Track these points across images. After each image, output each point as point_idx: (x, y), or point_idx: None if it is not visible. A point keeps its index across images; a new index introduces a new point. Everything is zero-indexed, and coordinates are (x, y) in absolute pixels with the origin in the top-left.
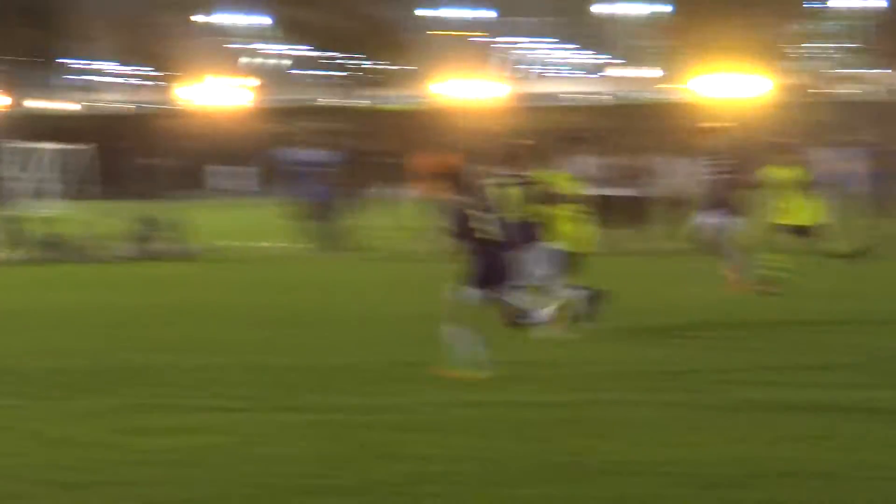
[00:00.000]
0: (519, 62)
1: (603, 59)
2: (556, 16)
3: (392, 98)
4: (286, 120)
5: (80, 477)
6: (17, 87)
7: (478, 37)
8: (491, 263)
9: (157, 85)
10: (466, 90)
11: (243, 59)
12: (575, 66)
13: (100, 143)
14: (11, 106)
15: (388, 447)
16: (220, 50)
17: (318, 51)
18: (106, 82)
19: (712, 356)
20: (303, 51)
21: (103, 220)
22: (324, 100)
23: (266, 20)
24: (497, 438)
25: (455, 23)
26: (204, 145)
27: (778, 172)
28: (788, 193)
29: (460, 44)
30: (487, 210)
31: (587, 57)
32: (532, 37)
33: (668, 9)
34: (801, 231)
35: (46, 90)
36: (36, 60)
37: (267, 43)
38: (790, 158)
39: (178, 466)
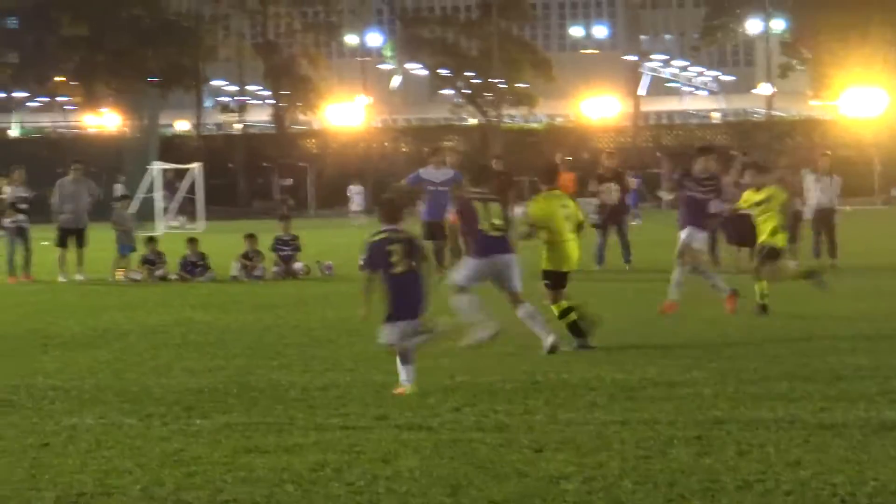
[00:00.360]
0: (649, 80)
1: (728, 77)
2: (685, 34)
3: (520, 117)
4: (417, 139)
5: (189, 495)
6: (160, 108)
7: (606, 54)
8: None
9: (295, 105)
10: (596, 108)
11: (374, 79)
12: (701, 84)
13: (242, 162)
14: (150, 127)
15: (496, 465)
16: (355, 70)
17: (447, 70)
18: (248, 103)
19: (833, 373)
20: (427, 70)
21: (242, 239)
22: (455, 119)
23: (395, 40)
24: (596, 456)
25: (583, 41)
26: (342, 165)
27: (751, 195)
28: (760, 214)
29: (590, 62)
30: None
31: (713, 75)
32: (662, 55)
33: (788, 26)
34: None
35: (189, 111)
36: (179, 81)
37: (397, 63)
38: (763, 179)
39: (286, 485)
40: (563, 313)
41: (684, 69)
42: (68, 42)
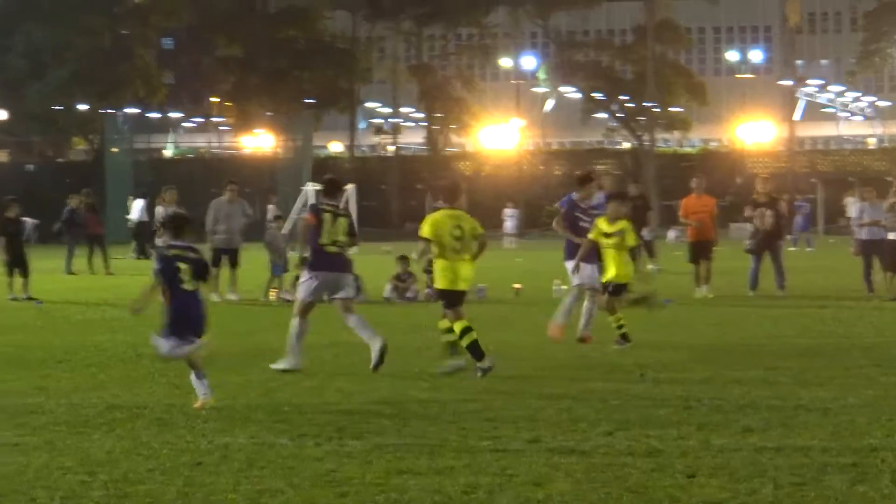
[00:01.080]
0: (804, 105)
1: (884, 102)
2: (841, 60)
3: (673, 141)
4: (570, 162)
5: None
6: (314, 129)
7: (761, 79)
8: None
9: (448, 127)
10: (751, 133)
11: (528, 102)
12: (857, 110)
13: (395, 184)
14: (304, 148)
15: (649, 490)
16: (509, 93)
17: (601, 93)
18: (402, 125)
19: None
20: (581, 93)
21: (394, 260)
22: (608, 142)
23: (550, 63)
24: (750, 482)
25: (739, 66)
26: (495, 187)
27: (604, 224)
28: (611, 248)
29: (745, 86)
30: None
31: (869, 100)
32: (818, 80)
33: None
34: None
35: (343, 132)
36: (334, 103)
37: (550, 86)
38: (620, 212)
39: None
40: (463, 332)
41: (840, 94)
42: (223, 63)
